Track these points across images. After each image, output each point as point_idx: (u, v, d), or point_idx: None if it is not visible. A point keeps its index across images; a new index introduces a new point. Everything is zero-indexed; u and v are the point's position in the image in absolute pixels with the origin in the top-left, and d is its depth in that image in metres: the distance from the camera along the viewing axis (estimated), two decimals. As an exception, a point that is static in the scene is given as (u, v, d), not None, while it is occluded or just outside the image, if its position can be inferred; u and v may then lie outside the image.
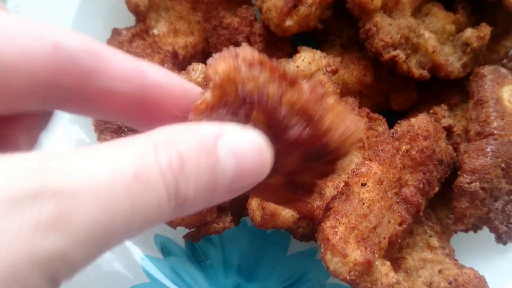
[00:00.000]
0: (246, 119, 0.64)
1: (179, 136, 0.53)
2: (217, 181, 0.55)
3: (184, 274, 1.12)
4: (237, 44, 1.07)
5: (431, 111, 1.05)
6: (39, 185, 0.43)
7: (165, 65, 0.91)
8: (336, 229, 0.71)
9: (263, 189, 0.69)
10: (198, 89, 0.67)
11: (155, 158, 0.49)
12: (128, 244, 1.11)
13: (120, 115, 0.66)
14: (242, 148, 0.57)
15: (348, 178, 0.84)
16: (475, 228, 0.97)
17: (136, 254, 1.11)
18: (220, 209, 0.99)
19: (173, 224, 0.92)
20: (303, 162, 0.67)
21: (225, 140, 0.56)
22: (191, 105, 0.64)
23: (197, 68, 0.88)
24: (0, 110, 0.58)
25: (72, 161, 0.46)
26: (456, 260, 0.93)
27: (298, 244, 1.12)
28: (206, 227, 0.97)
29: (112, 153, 0.48)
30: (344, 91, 1.09)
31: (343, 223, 0.72)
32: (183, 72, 0.88)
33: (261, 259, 1.15)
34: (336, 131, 0.65)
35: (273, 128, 0.64)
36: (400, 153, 0.84)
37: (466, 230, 0.97)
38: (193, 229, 0.98)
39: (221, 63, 0.64)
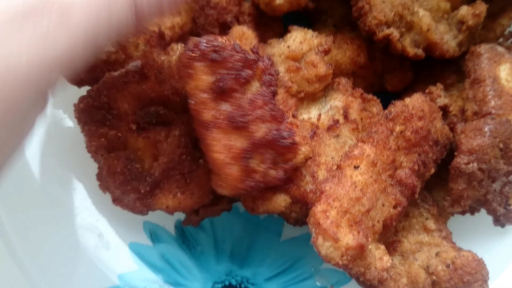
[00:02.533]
0: None
1: None
2: None
3: (174, 261, 1.11)
4: (225, 24, 1.04)
5: (427, 90, 1.03)
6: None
7: (144, 47, 0.89)
8: (327, 213, 0.70)
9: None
10: None
11: None
12: (117, 231, 1.10)
13: None
14: None
15: (340, 160, 0.82)
16: (472, 210, 0.96)
17: (124, 241, 1.10)
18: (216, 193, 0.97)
19: (169, 209, 0.91)
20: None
21: None
22: None
23: (176, 48, 0.87)
24: None
25: None
26: (454, 243, 0.92)
27: (291, 230, 1.11)
28: (205, 209, 0.96)
29: None
30: (337, 72, 1.07)
31: (335, 207, 0.71)
32: (162, 53, 0.86)
33: (254, 245, 1.14)
34: None
35: None
36: (394, 134, 0.82)
37: (463, 213, 0.96)
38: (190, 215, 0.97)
39: None
